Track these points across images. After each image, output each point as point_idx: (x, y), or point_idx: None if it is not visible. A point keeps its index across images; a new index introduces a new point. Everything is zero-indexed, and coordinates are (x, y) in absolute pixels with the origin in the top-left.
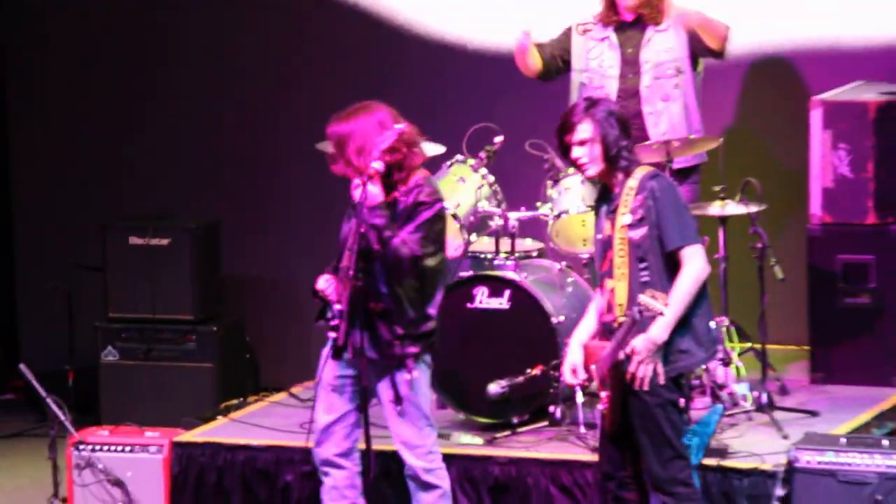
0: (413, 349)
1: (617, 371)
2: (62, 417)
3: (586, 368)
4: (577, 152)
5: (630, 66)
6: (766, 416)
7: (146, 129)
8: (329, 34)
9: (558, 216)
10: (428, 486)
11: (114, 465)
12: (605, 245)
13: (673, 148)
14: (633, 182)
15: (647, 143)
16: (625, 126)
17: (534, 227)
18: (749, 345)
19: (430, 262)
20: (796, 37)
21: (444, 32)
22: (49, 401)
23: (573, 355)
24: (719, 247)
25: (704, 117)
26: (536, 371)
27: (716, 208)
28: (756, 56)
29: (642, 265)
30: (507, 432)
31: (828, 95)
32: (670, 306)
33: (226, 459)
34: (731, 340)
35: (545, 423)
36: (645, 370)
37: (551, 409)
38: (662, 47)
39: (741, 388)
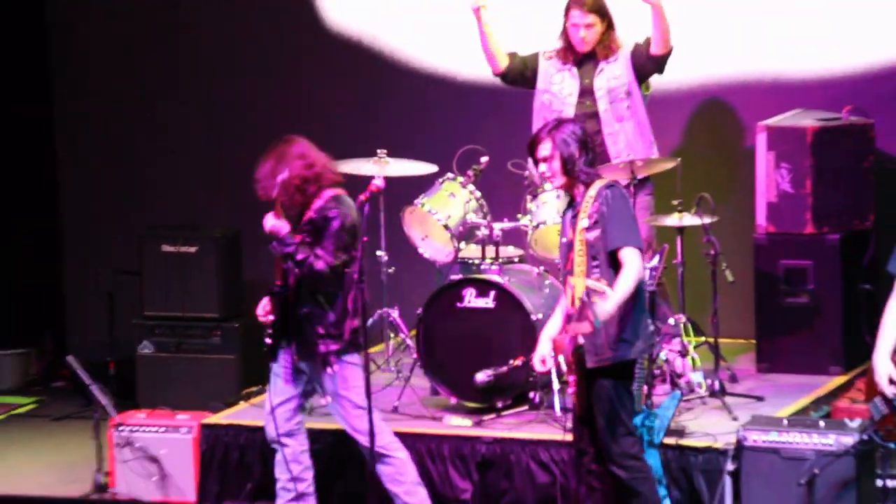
0: (334, 346)
1: (577, 355)
2: (105, 402)
3: (554, 359)
4: (541, 167)
5: (587, 93)
6: (719, 400)
7: (177, 149)
8: (336, 65)
9: (537, 226)
10: (383, 459)
11: (149, 443)
12: (568, 247)
13: (637, 167)
14: (592, 192)
15: (614, 162)
16: (585, 145)
17: (515, 236)
18: (703, 339)
19: (335, 262)
20: (745, 70)
21: (437, 66)
22: (93, 388)
23: (542, 347)
24: (677, 253)
25: (667, 141)
26: (518, 362)
27: (674, 220)
28: (710, 87)
29: (594, 262)
30: (493, 415)
31: (771, 121)
32: (615, 291)
33: (247, 439)
34: (687, 335)
35: (526, 407)
36: (583, 328)
37: (531, 394)
38: (612, 75)
39: (696, 377)
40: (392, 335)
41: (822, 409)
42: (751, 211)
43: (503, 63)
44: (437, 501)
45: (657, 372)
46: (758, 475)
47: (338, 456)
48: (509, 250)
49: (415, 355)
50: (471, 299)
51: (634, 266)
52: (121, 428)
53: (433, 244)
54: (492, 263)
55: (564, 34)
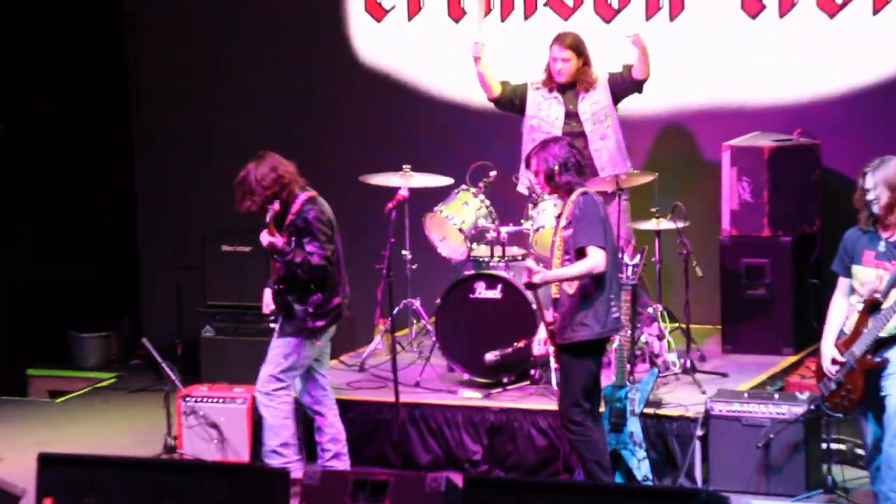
0: (321, 323)
1: (550, 332)
2: (173, 378)
3: (551, 342)
4: (532, 179)
5: (572, 116)
6: (690, 377)
7: (234, 163)
8: (368, 94)
9: (537, 230)
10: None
11: (211, 412)
12: (555, 245)
13: (622, 180)
14: (572, 198)
15: (602, 175)
16: (566, 162)
17: (519, 238)
18: (677, 324)
19: (327, 253)
20: (713, 99)
21: (453, 95)
22: (164, 365)
23: (540, 333)
24: (655, 252)
25: (648, 157)
26: (521, 344)
27: (652, 224)
28: (683, 112)
29: (566, 256)
30: (500, 389)
31: (734, 141)
32: (561, 270)
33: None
34: (664, 321)
35: (527, 382)
36: (525, 281)
37: (532, 371)
38: (593, 101)
39: (671, 357)
40: (415, 321)
41: (776, 383)
42: (717, 217)
43: (496, 91)
44: (452, 462)
45: (638, 352)
46: (722, 439)
47: (367, 422)
48: (514, 250)
49: (434, 338)
50: (481, 291)
51: (590, 261)
52: (187, 399)
53: (450, 245)
54: (499, 261)
55: (548, 66)
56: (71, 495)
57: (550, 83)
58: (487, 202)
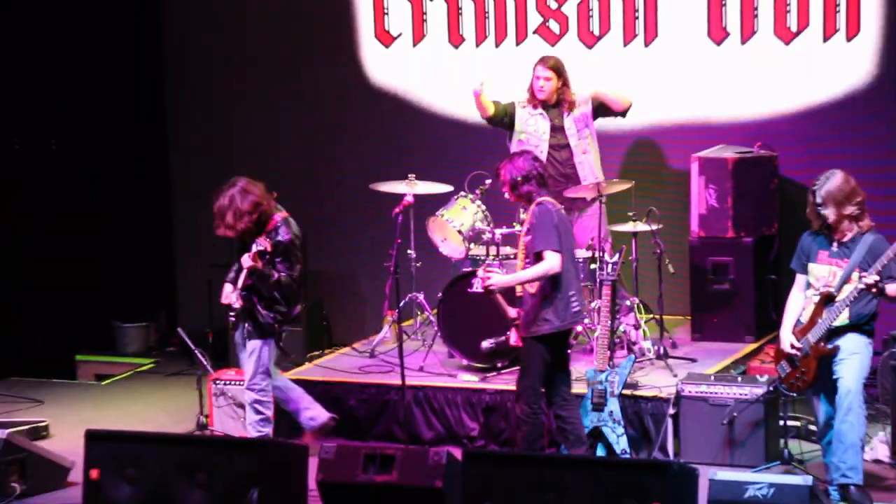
0: (286, 328)
1: (514, 327)
2: (205, 363)
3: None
4: (503, 188)
5: (558, 130)
6: (663, 362)
7: (259, 170)
8: (377, 110)
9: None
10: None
11: (238, 394)
12: (519, 249)
13: (602, 187)
14: (532, 207)
15: (585, 184)
16: (527, 175)
17: (512, 239)
18: (651, 315)
19: (296, 274)
20: (684, 115)
21: (453, 112)
22: (197, 352)
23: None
24: (632, 252)
25: (625, 167)
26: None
27: (629, 227)
28: (657, 127)
29: (527, 260)
30: (494, 373)
31: (702, 153)
32: (517, 274)
33: (312, 390)
34: (640, 312)
35: (519, 367)
36: (481, 283)
37: None
38: (576, 117)
39: (646, 344)
40: (419, 313)
41: (739, 368)
42: (686, 220)
43: (490, 111)
44: (452, 438)
45: (617, 340)
46: (692, 417)
47: (376, 403)
48: (507, 250)
49: (436, 328)
50: (478, 286)
51: (546, 264)
52: (217, 382)
53: (450, 245)
54: (494, 259)
55: (531, 85)
56: (115, 467)
57: (534, 100)
58: (483, 207)
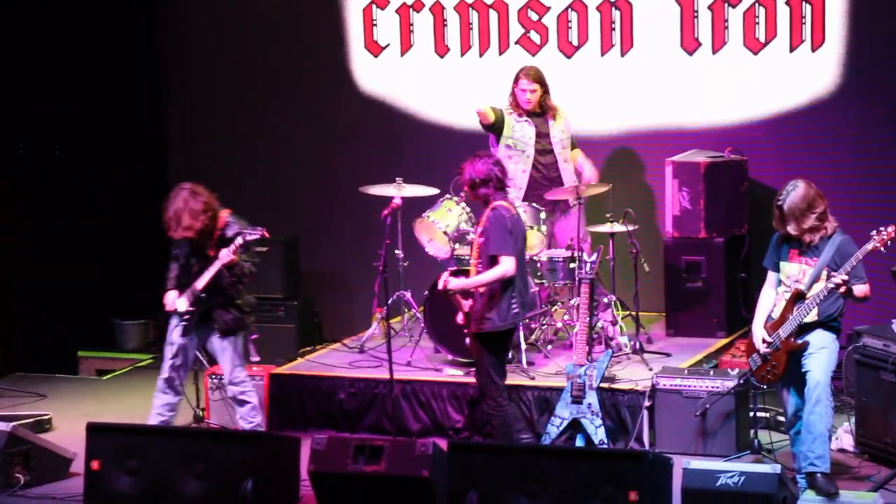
0: (252, 317)
1: (466, 320)
2: (201, 358)
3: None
4: (464, 187)
5: (542, 136)
6: (639, 356)
7: (256, 174)
8: (367, 117)
9: None
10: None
11: None
12: (472, 249)
13: (581, 190)
14: (487, 211)
15: (566, 187)
16: (486, 178)
17: None
18: (628, 312)
19: (253, 269)
20: (658, 122)
21: (439, 119)
22: None
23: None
24: (609, 251)
25: (603, 171)
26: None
27: (606, 227)
28: (633, 133)
29: (479, 261)
30: None
31: (676, 158)
32: (474, 278)
33: (303, 384)
34: (617, 309)
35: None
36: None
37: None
38: (559, 129)
39: (623, 339)
40: (407, 310)
41: (711, 362)
42: (661, 221)
43: (491, 117)
44: (438, 429)
45: (595, 336)
46: (666, 409)
47: (366, 396)
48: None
49: (423, 325)
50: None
51: (502, 268)
52: (213, 377)
53: (436, 245)
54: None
55: (513, 95)
56: (115, 459)
57: (518, 109)
58: (468, 209)
